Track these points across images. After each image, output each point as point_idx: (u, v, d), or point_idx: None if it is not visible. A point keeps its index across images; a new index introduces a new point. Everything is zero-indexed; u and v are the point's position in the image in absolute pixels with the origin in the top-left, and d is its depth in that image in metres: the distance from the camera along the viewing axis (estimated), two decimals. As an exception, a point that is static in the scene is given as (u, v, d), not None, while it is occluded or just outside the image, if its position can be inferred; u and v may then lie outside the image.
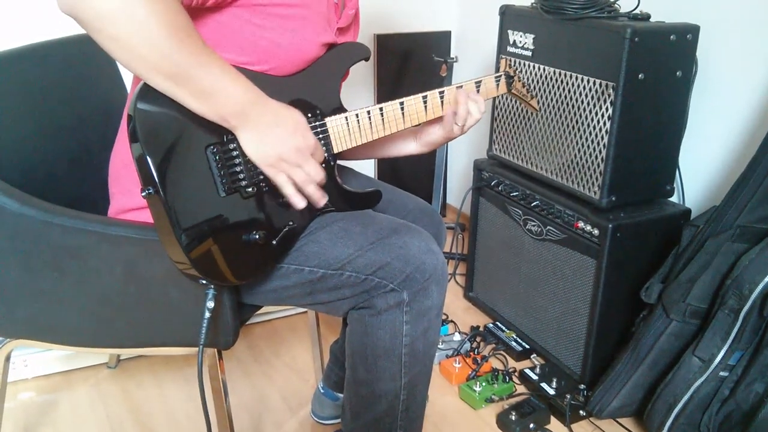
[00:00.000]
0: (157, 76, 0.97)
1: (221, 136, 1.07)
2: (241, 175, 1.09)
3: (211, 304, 1.11)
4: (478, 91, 1.34)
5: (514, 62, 1.97)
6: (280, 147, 1.08)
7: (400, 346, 1.21)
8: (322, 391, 1.76)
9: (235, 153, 1.08)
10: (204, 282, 1.10)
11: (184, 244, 1.02)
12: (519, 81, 1.42)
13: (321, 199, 1.17)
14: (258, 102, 1.06)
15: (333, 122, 1.22)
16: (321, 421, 1.77)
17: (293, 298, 1.25)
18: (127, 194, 1.22)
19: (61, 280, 1.20)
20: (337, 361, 1.70)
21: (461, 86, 1.31)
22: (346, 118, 1.23)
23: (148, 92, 1.00)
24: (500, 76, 1.38)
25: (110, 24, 0.92)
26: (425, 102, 1.28)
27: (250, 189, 1.10)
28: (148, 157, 0.98)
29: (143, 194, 1.01)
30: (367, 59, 1.29)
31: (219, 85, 1.01)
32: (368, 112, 1.24)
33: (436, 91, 1.29)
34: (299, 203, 1.14)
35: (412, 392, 1.26)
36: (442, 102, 1.30)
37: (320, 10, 1.20)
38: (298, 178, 1.12)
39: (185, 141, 1.03)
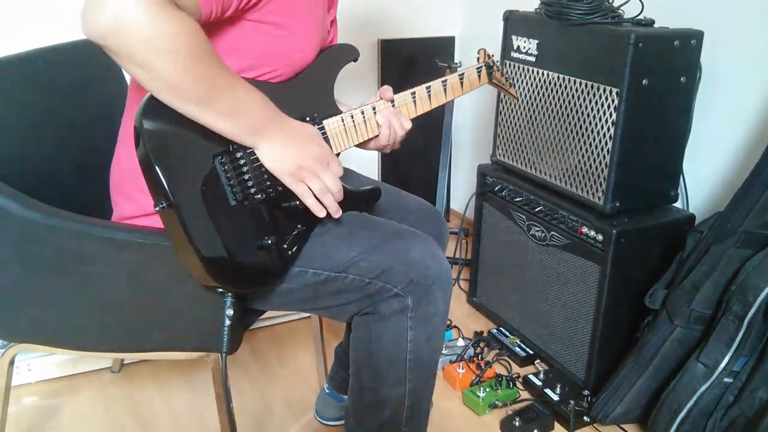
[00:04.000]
0: (185, 101, 1.00)
1: (227, 145, 1.08)
2: (250, 183, 1.10)
3: (230, 312, 1.12)
4: (461, 83, 1.38)
5: (518, 67, 1.98)
6: (298, 156, 1.12)
7: (404, 352, 1.21)
8: (327, 391, 1.76)
9: (242, 161, 1.10)
10: (221, 291, 1.11)
11: (201, 255, 1.03)
12: (498, 70, 1.46)
13: (337, 212, 1.18)
14: (276, 117, 1.10)
15: (330, 124, 1.25)
16: (325, 422, 1.77)
17: (298, 303, 1.25)
18: (130, 201, 1.23)
19: (65, 284, 1.20)
20: (342, 363, 1.70)
21: (446, 80, 1.35)
22: (342, 119, 1.26)
23: (153, 106, 1.00)
24: (481, 67, 1.41)
25: (140, 55, 0.94)
26: (414, 98, 1.32)
27: (258, 196, 1.11)
28: (159, 171, 0.99)
29: (157, 209, 1.01)
30: (356, 60, 1.32)
31: (242, 105, 1.05)
32: (362, 112, 1.28)
33: (423, 86, 1.33)
34: (320, 212, 1.16)
35: (416, 398, 1.26)
36: (429, 96, 1.33)
37: (318, 17, 1.22)
38: (316, 187, 1.15)
39: (193, 152, 1.04)
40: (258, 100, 1.07)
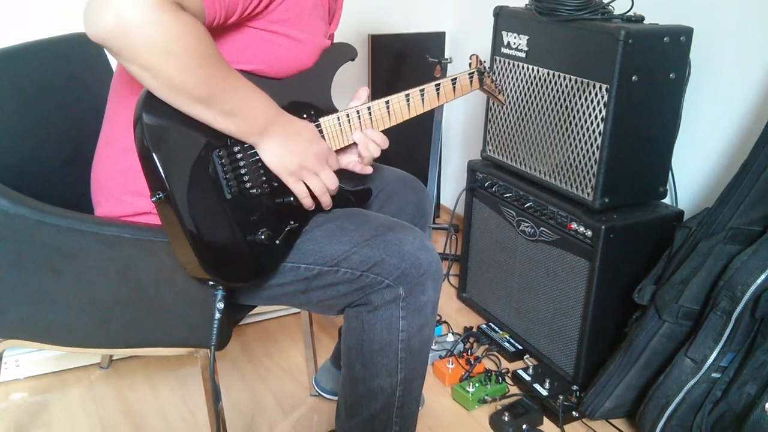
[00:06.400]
0: (188, 101, 1.00)
1: (225, 139, 1.09)
2: (246, 177, 1.11)
3: (221, 305, 1.13)
4: (453, 87, 1.38)
5: (508, 63, 1.98)
6: (300, 155, 1.14)
7: (396, 342, 1.22)
8: (331, 363, 1.80)
9: (239, 156, 1.11)
10: (212, 284, 1.11)
11: (194, 247, 1.03)
12: (488, 77, 1.47)
13: (329, 206, 1.23)
14: (278, 116, 1.12)
15: (326, 122, 1.25)
16: (321, 393, 1.81)
17: (288, 297, 1.25)
18: (114, 202, 1.22)
19: (54, 280, 1.19)
20: None
21: (438, 84, 1.35)
22: (338, 117, 1.26)
23: (153, 98, 1.00)
24: (473, 72, 1.42)
25: (144, 56, 0.93)
26: (408, 100, 1.33)
27: (253, 191, 1.12)
28: (158, 163, 0.99)
29: (153, 199, 1.02)
30: (353, 59, 1.33)
31: (245, 105, 1.06)
32: (357, 112, 1.28)
33: (417, 89, 1.33)
34: (311, 207, 1.20)
35: (407, 389, 1.27)
36: (422, 100, 1.34)
37: (320, 24, 1.23)
38: (315, 187, 1.17)
39: (192, 146, 1.05)
40: (260, 100, 1.08)
